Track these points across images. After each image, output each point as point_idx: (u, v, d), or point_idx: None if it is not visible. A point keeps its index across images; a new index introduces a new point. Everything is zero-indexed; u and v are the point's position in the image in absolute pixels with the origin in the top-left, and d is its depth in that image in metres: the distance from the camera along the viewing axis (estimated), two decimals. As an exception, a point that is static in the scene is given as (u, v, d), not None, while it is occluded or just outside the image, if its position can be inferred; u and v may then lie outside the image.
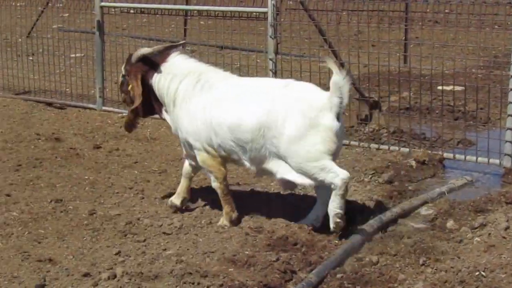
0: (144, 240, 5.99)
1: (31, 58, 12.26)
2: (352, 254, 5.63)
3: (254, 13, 9.86)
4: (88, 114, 10.15)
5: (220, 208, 6.38)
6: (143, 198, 6.91)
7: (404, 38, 11.73)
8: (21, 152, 8.42)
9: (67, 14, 14.83)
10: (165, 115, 6.51)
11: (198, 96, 6.16)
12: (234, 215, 6.23)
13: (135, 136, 8.82)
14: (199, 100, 6.14)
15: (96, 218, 6.50)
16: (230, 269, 5.30)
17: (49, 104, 10.54)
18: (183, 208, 6.59)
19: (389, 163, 7.50)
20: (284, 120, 5.75)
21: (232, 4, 11.59)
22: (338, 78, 5.62)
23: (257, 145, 5.86)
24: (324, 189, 5.91)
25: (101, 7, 9.72)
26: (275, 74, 8.54)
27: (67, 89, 11.12)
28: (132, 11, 12.05)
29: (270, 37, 8.48)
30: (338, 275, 5.30)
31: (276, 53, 8.56)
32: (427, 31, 11.78)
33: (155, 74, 6.38)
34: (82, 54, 11.54)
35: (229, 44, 10.29)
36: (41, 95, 10.66)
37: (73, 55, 11.72)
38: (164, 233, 6.12)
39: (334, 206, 5.70)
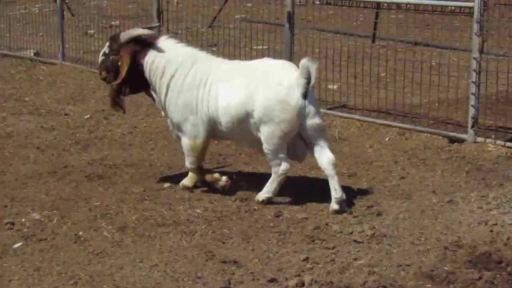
0: (333, 247, 5.72)
1: (214, 49, 12.17)
2: None
3: (458, 8, 9.31)
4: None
5: (414, 219, 6.18)
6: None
7: None
8: (206, 147, 8.34)
9: (250, 4, 14.79)
10: (152, 93, 6.96)
11: (194, 87, 6.68)
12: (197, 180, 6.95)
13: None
14: (193, 91, 6.68)
15: (282, 220, 6.29)
16: (427, 285, 5.07)
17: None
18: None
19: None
20: (256, 93, 6.35)
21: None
22: (305, 61, 6.21)
23: (244, 123, 6.48)
24: None
25: (293, -3, 9.45)
26: (478, 75, 8.07)
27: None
28: (317, 2, 11.78)
29: (476, 34, 8.02)
30: (549, 301, 4.89)
31: (481, 52, 8.07)
32: None
33: (148, 54, 6.78)
34: (266, 47, 11.31)
35: (425, 40, 9.76)
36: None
37: (255, 47, 11.49)
38: (354, 241, 5.84)
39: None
